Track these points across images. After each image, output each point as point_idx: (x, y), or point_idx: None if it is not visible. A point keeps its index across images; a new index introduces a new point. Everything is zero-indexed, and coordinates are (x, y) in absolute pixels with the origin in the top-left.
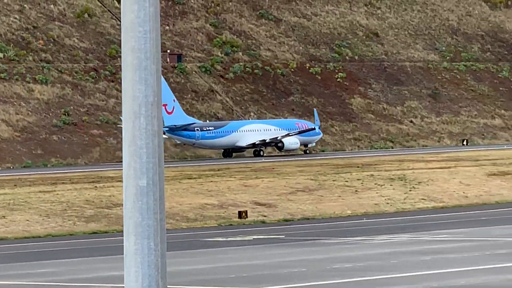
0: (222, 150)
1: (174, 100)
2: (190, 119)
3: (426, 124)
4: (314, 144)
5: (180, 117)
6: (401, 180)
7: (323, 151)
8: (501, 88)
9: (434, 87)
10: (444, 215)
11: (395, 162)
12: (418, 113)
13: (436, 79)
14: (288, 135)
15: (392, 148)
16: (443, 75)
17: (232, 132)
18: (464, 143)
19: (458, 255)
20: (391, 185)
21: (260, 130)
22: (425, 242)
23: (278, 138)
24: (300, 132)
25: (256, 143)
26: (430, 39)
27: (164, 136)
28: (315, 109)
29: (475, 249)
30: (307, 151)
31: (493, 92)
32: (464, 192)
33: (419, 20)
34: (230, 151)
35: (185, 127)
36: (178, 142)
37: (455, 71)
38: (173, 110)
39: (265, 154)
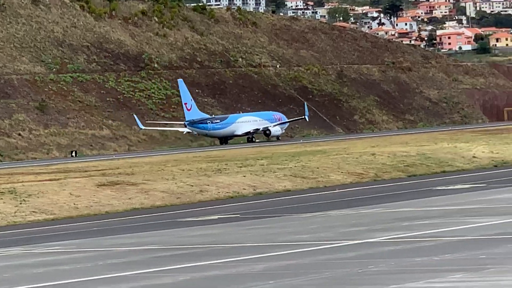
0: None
1: (191, 100)
2: (203, 114)
3: (34, 137)
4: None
5: (196, 113)
6: (11, 194)
7: None
8: (108, 99)
9: (41, 99)
10: (55, 227)
11: (5, 175)
12: (26, 126)
13: (43, 91)
14: (283, 123)
15: (1, 161)
16: (50, 87)
17: (232, 123)
18: (73, 154)
19: (71, 266)
20: (1, 198)
21: (250, 121)
22: (38, 254)
23: (268, 127)
24: (289, 121)
25: (251, 131)
26: (36, 52)
27: (186, 128)
28: (305, 103)
29: (88, 260)
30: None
31: (100, 103)
32: (74, 204)
33: (25, 33)
34: (227, 139)
35: (200, 121)
36: (195, 133)
37: (62, 82)
38: (191, 107)
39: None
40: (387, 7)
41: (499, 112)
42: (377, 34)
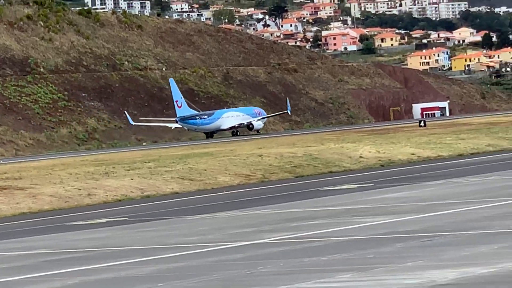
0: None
1: (181, 97)
2: (192, 111)
3: None
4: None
5: (186, 110)
6: None
7: None
8: None
9: None
10: None
11: None
12: None
13: None
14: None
15: None
16: None
17: (218, 118)
18: None
19: None
20: None
21: (234, 116)
22: None
23: (253, 122)
24: (272, 116)
25: (236, 126)
26: None
27: (177, 124)
28: (287, 98)
29: None
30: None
31: None
32: None
33: None
34: (212, 133)
35: (190, 117)
36: (186, 128)
37: None
38: (181, 105)
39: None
40: (272, 8)
41: (385, 112)
42: (263, 35)
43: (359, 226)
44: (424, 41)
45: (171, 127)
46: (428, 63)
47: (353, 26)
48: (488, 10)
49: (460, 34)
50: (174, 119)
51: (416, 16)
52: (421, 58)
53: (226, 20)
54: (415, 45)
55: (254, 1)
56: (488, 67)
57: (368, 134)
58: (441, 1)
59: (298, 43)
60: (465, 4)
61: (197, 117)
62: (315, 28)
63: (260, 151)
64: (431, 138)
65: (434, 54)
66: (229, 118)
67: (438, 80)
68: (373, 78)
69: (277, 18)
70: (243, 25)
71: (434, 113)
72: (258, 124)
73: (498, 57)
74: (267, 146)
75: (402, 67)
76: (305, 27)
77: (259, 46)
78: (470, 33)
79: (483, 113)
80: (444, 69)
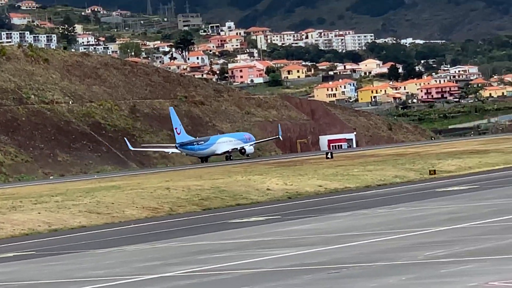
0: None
1: (180, 125)
2: (190, 137)
3: None
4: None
5: (184, 137)
6: None
7: None
8: None
9: None
10: None
11: None
12: None
13: None
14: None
15: None
16: None
17: (213, 144)
18: None
19: None
20: None
21: (227, 142)
22: None
23: (245, 147)
24: (264, 141)
25: (229, 150)
26: None
27: (174, 150)
28: (278, 124)
29: None
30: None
31: None
32: None
33: None
34: (207, 158)
35: (188, 143)
36: (184, 153)
37: None
38: (180, 132)
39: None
40: (179, 41)
41: (292, 144)
42: (169, 68)
43: (267, 258)
44: (331, 73)
45: (168, 152)
46: (334, 94)
47: (259, 58)
48: (394, 41)
49: (366, 65)
50: (173, 145)
51: (322, 48)
52: (327, 90)
53: (133, 53)
54: (322, 77)
55: (161, 34)
56: (395, 98)
57: (275, 166)
58: (347, 33)
59: (204, 76)
60: (371, 36)
61: (194, 143)
62: (221, 61)
63: (167, 184)
64: (338, 169)
65: (340, 86)
66: (223, 143)
67: (344, 112)
68: (279, 110)
69: (183, 51)
70: (149, 58)
71: (341, 145)
72: (249, 149)
73: (404, 89)
74: (174, 179)
75: (309, 99)
76: (211, 59)
77: (166, 79)
78: (377, 64)
79: (390, 145)
80: (351, 100)
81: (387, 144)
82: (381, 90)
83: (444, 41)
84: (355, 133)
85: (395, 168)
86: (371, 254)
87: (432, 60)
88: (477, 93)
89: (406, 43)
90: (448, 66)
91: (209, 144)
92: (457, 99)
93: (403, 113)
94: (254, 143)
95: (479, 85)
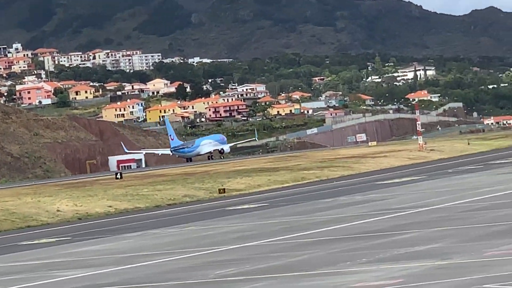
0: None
1: (173, 132)
2: (181, 142)
3: None
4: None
5: (177, 142)
6: None
7: None
8: None
9: None
10: None
11: None
12: None
13: None
14: (236, 145)
15: None
16: None
17: (198, 146)
18: None
19: None
20: None
21: (207, 144)
22: None
23: (224, 148)
24: (242, 142)
25: (211, 151)
26: None
27: (163, 151)
28: (255, 128)
29: None
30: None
31: None
32: None
33: None
34: (190, 158)
35: (180, 147)
36: (177, 155)
37: None
38: (174, 138)
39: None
40: None
41: (81, 165)
42: None
43: (58, 280)
44: (119, 93)
45: (158, 153)
46: (123, 115)
47: (47, 79)
48: (181, 61)
49: (154, 85)
50: (168, 149)
51: (110, 68)
52: (116, 110)
53: None
54: (110, 97)
55: None
56: (183, 117)
57: (65, 187)
58: (134, 53)
59: None
60: (158, 56)
61: (184, 147)
62: (9, 83)
63: None
64: (128, 190)
65: (128, 106)
66: (206, 145)
67: (133, 132)
68: (68, 131)
69: None
70: None
71: (130, 165)
72: (227, 149)
73: (193, 108)
74: None
75: (97, 119)
76: None
77: None
78: (164, 84)
79: (179, 164)
80: (139, 120)
81: (176, 164)
82: (169, 110)
83: (231, 59)
84: (143, 153)
85: (185, 187)
86: (163, 274)
87: (220, 79)
88: (265, 111)
89: (193, 62)
90: (236, 84)
91: (195, 147)
92: (245, 118)
93: (191, 132)
94: (234, 144)
95: (267, 103)
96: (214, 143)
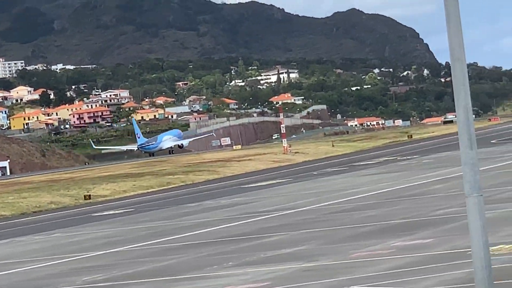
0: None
1: (140, 132)
2: (146, 140)
3: None
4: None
5: (142, 140)
6: None
7: None
8: None
9: None
10: None
11: None
12: None
13: None
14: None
15: None
16: None
17: (160, 142)
18: None
19: None
20: None
21: (168, 140)
22: None
23: (183, 142)
24: (199, 137)
25: (172, 146)
26: None
27: (129, 147)
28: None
29: None
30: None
31: None
32: None
33: None
34: (153, 153)
35: (145, 144)
36: (143, 151)
37: None
38: (140, 136)
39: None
40: None
41: None
42: None
43: None
44: None
45: (124, 149)
46: None
47: None
48: (44, 68)
49: (17, 92)
50: (135, 146)
51: None
52: None
53: None
54: None
55: None
56: (47, 124)
57: None
58: None
59: None
60: (21, 63)
61: (150, 144)
62: None
63: None
64: None
65: None
66: (167, 141)
67: None
68: None
69: None
70: None
71: None
72: (186, 143)
73: (57, 114)
74: None
75: None
76: None
77: None
78: (28, 91)
79: (44, 171)
80: (3, 128)
81: (42, 171)
82: (33, 117)
83: (94, 66)
84: (8, 160)
85: (50, 194)
86: (31, 281)
87: (84, 85)
88: (129, 117)
89: (56, 69)
90: (100, 90)
91: (158, 143)
92: (109, 123)
93: (56, 139)
94: (190, 138)
95: (131, 108)
96: (174, 138)
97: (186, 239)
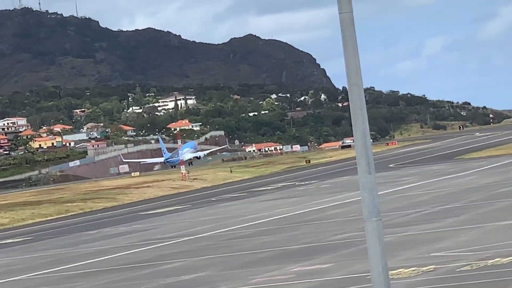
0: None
1: (165, 148)
2: (169, 154)
3: None
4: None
5: (167, 155)
6: None
7: None
8: None
9: None
10: None
11: None
12: None
13: None
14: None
15: None
16: None
17: (180, 155)
18: None
19: None
20: None
21: (187, 152)
22: None
23: (200, 154)
24: (217, 149)
25: (191, 158)
26: None
27: (163, 163)
28: (226, 139)
29: None
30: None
31: None
32: None
33: None
34: (175, 166)
35: (169, 158)
36: (168, 165)
37: None
38: (165, 152)
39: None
40: None
41: None
42: None
43: None
44: None
45: (148, 162)
46: None
47: None
48: None
49: None
50: (162, 160)
51: None
52: None
53: None
54: None
55: None
56: None
57: None
58: None
59: None
60: None
61: (173, 158)
62: None
63: None
64: None
65: None
66: (186, 153)
67: None
68: None
69: None
70: None
71: None
72: (203, 155)
73: None
74: None
75: None
76: None
77: None
78: None
79: None
80: None
81: None
82: None
83: None
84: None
85: None
86: None
87: None
88: (27, 145)
89: None
90: None
91: (179, 156)
92: (7, 152)
93: None
94: (208, 151)
95: (29, 136)
96: (192, 150)
97: (85, 267)
